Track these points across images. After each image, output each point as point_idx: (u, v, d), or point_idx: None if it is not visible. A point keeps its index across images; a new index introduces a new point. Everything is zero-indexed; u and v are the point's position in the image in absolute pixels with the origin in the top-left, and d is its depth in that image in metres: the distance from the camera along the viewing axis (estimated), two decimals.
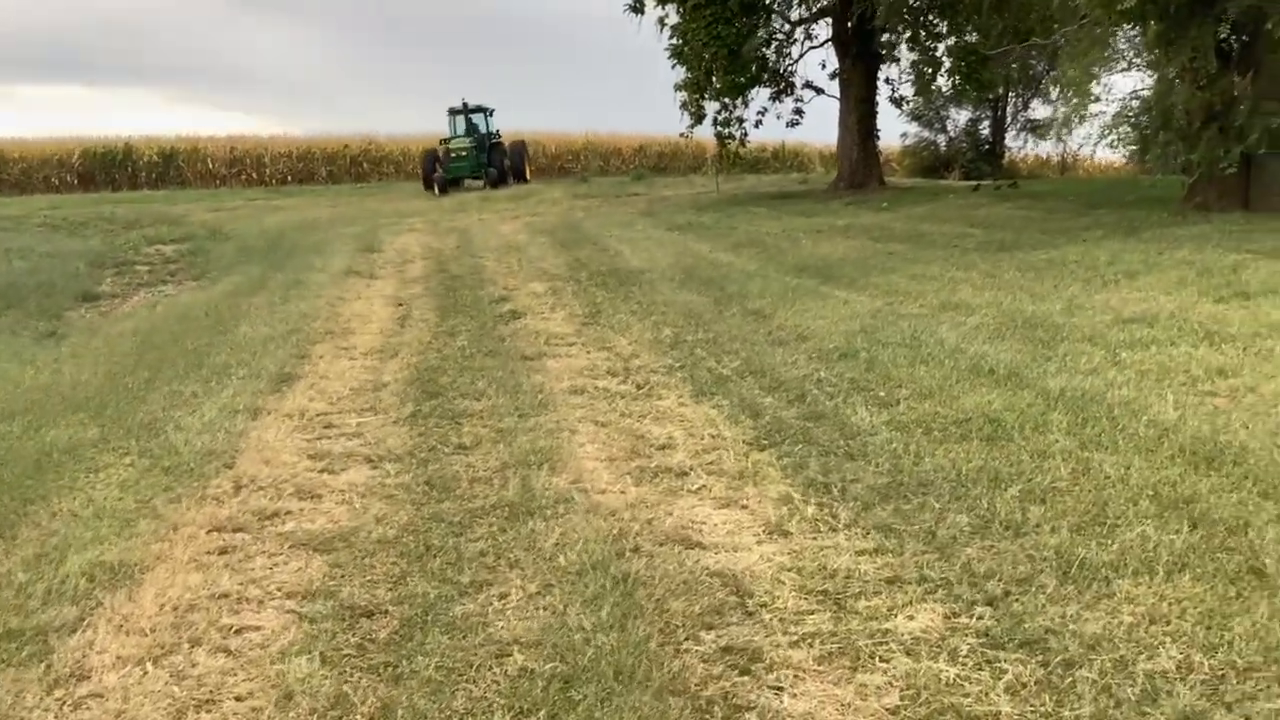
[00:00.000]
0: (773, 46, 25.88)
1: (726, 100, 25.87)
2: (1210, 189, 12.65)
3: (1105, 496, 4.25)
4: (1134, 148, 12.70)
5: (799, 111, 27.88)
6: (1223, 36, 11.85)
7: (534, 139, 46.48)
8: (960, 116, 36.96)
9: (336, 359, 8.50)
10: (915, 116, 35.95)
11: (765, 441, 5.52)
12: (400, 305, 11.54)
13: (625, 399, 6.71)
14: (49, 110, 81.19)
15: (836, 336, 7.98)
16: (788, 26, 26.15)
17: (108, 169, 44.36)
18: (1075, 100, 12.71)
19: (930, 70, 24.51)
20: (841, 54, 25.43)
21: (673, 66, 24.88)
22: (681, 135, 28.21)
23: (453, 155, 33.04)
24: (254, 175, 45.47)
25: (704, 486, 4.91)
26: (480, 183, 33.46)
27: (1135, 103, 12.72)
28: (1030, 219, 14.58)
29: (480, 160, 33.59)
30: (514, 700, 3.03)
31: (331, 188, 41.70)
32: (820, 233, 16.24)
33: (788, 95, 27.62)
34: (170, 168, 44.89)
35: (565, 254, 15.82)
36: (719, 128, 27.23)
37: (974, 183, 24.69)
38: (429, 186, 33.13)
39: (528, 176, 36.76)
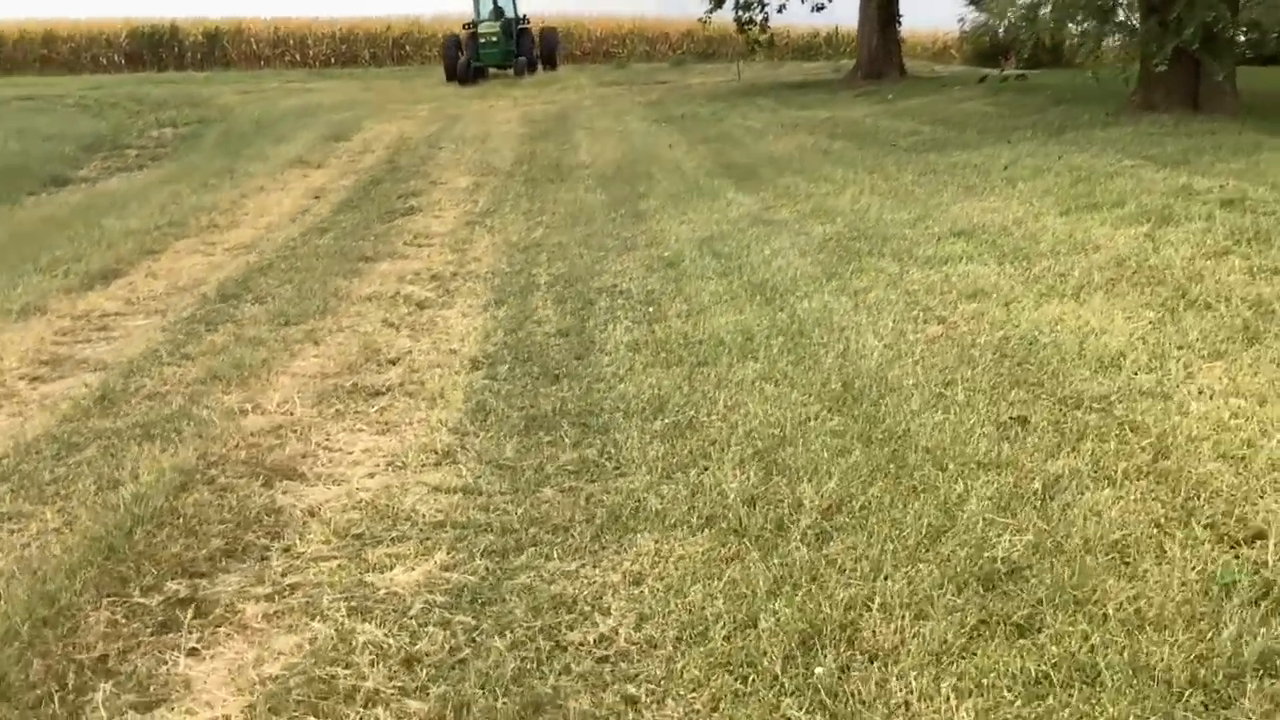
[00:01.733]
0: None
1: None
2: (1157, 88, 11.66)
3: (708, 437, 3.92)
4: (1083, 40, 11.69)
5: None
6: None
7: (579, 21, 45.49)
8: None
9: (188, 256, 8.35)
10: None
11: (491, 359, 5.23)
12: (316, 198, 11.30)
13: (414, 307, 6.44)
14: None
15: (680, 244, 7.60)
16: None
17: (154, 49, 44.38)
18: None
19: None
20: None
21: None
22: (700, 20, 27.25)
23: (481, 41, 30.26)
24: (297, 57, 45.18)
25: (383, 408, 4.64)
26: (509, 72, 31.00)
27: None
28: (988, 116, 13.73)
29: (509, 47, 30.83)
30: None
31: (371, 71, 41.32)
32: (795, 127, 15.56)
33: None
34: (215, 48, 44.78)
35: (528, 146, 15.41)
36: (739, 12, 26.22)
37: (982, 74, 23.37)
38: (451, 76, 30.19)
39: (557, 64, 34.20)
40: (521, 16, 32.65)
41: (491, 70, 31.10)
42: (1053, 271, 5.51)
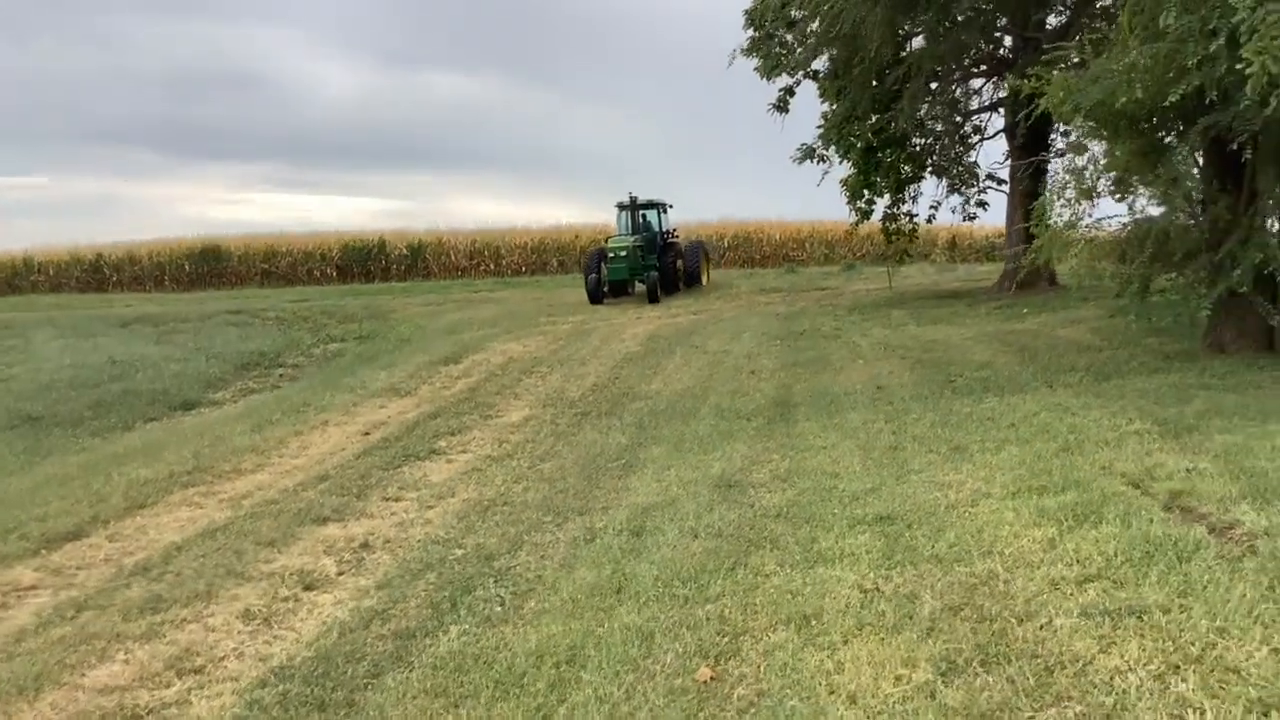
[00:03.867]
0: (938, 141, 24.39)
1: (887, 194, 24.58)
2: (1226, 327, 10.47)
3: None
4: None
5: (981, 204, 26.14)
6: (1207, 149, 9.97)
7: (759, 227, 46.31)
8: None
9: (174, 511, 8.51)
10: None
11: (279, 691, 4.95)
12: (366, 434, 11.52)
13: (296, 588, 6.27)
14: (397, 195, 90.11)
15: (621, 513, 7.22)
16: (958, 118, 24.59)
17: (363, 262, 47.71)
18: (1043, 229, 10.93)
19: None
20: (1011, 147, 23.65)
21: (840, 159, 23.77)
22: (847, 231, 27.17)
23: (610, 255, 28.57)
24: (491, 267, 47.63)
25: None
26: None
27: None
28: (1074, 346, 12.74)
29: (642, 263, 28.77)
30: None
31: (555, 278, 43.03)
32: (891, 352, 15.03)
33: (968, 186, 25.94)
34: (417, 260, 47.74)
35: (619, 369, 15.43)
36: (886, 223, 26.00)
37: None
38: (593, 298, 28.61)
39: (704, 279, 32.11)
40: (670, 230, 31.36)
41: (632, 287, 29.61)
42: (897, 592, 4.81)
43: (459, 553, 6.77)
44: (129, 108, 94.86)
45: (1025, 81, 10.57)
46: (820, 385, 12.37)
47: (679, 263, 30.17)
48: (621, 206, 30.59)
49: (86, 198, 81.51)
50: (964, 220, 26.32)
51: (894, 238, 26.03)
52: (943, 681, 3.75)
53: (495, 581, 6.07)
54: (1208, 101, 8.45)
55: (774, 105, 23.53)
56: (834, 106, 22.70)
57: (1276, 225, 8.90)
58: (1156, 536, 4.94)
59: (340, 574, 6.51)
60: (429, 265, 47.76)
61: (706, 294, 30.98)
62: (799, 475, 7.64)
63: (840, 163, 23.20)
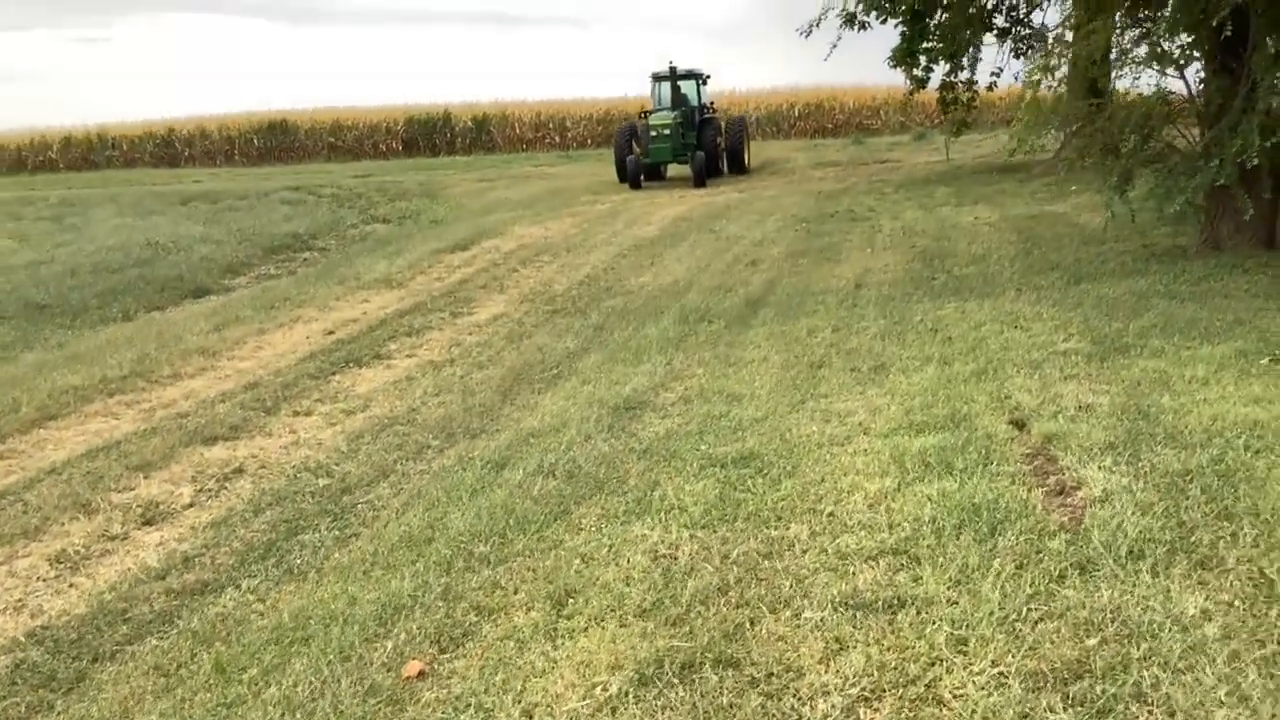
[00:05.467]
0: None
1: (941, 59, 23.10)
2: (1223, 222, 9.41)
3: None
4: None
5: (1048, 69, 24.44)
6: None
7: (832, 94, 44.57)
8: None
9: (88, 422, 8.38)
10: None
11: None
12: (330, 334, 11.28)
13: (126, 517, 6.06)
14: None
15: (499, 443, 6.84)
16: None
17: (429, 135, 47.30)
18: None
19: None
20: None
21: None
22: (904, 98, 25.83)
23: (653, 134, 25.53)
24: (557, 139, 46.84)
25: None
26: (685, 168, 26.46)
27: None
28: (1074, 232, 11.84)
29: (686, 141, 26.16)
30: None
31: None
32: (909, 237, 14.31)
33: (1034, 50, 24.26)
34: (483, 133, 47.16)
35: (623, 259, 14.96)
36: (943, 92, 24.56)
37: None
38: (623, 177, 26.33)
39: (747, 164, 28.49)
40: (708, 104, 28.54)
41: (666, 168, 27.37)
42: (681, 562, 4.34)
43: (322, 483, 6.48)
44: None
45: None
46: (806, 282, 11.75)
47: (719, 140, 27.14)
48: (658, 78, 27.64)
49: None
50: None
51: (950, 107, 24.60)
52: (633, 696, 3.32)
53: (331, 522, 5.78)
54: None
55: None
56: None
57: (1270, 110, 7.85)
58: (986, 499, 4.39)
59: (189, 506, 6.28)
60: (494, 138, 47.14)
61: (758, 169, 29.95)
62: (704, 397, 7.15)
63: (881, 25, 21.74)
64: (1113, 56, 9.28)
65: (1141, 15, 9.08)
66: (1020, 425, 5.45)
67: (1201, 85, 9.34)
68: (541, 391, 8.22)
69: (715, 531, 4.62)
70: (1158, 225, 11.10)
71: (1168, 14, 8.69)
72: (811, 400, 6.68)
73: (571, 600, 4.12)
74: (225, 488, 6.58)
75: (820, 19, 20.42)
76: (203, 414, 8.23)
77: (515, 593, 4.29)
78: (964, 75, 24.14)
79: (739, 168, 27.89)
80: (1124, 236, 11.10)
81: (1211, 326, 6.83)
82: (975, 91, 24.58)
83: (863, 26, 21.53)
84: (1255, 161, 7.85)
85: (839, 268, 12.54)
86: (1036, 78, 9.81)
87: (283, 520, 5.85)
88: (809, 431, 5.95)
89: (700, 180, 25.48)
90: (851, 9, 21.24)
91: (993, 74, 24.34)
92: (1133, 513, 4.03)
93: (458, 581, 4.47)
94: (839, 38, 21.38)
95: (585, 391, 7.87)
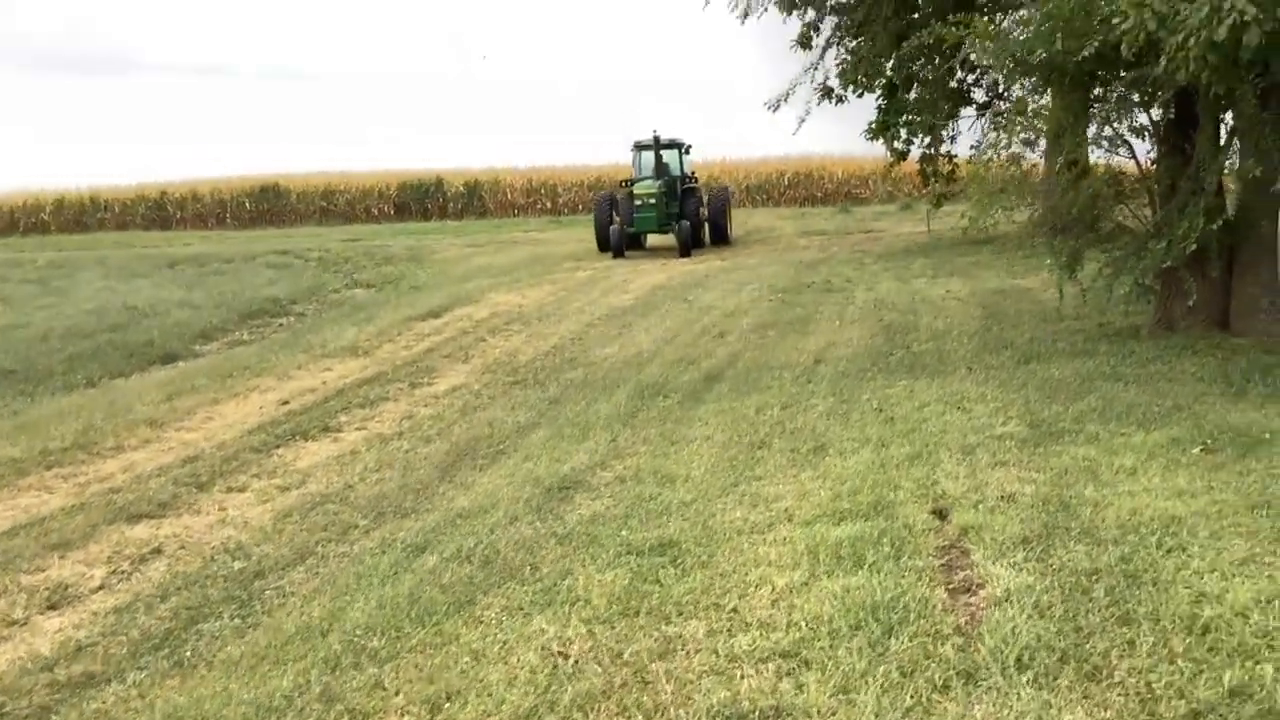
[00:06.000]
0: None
1: (920, 132, 23.26)
2: (1175, 303, 9.32)
3: None
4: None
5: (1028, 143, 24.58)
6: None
7: (821, 164, 44.85)
8: None
9: (21, 496, 8.22)
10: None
11: None
12: (285, 404, 11.15)
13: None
14: None
15: (425, 525, 6.68)
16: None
17: (420, 200, 47.52)
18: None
19: None
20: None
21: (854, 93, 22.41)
22: (884, 173, 25.97)
23: (637, 203, 25.22)
24: (548, 204, 47.06)
25: None
26: (669, 236, 26.07)
27: None
28: (1045, 312, 11.76)
29: (670, 210, 25.79)
30: None
31: None
32: (878, 310, 14.22)
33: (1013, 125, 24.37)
34: (474, 198, 47.38)
35: (592, 329, 14.88)
36: (924, 165, 24.71)
37: None
38: (604, 246, 26.04)
39: (729, 235, 28.05)
40: (689, 174, 27.96)
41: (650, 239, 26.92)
42: (570, 662, 4.17)
43: (237, 566, 6.30)
44: None
45: (951, 29, 9.56)
46: (769, 355, 11.65)
47: (702, 212, 26.83)
48: (641, 146, 27.28)
49: None
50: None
51: (931, 180, 24.72)
52: None
53: (236, 610, 5.59)
54: (1130, 57, 7.41)
55: (796, 41, 22.28)
56: (857, 42, 21.42)
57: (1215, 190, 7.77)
58: (888, 597, 4.24)
59: (98, 589, 6.10)
60: (485, 203, 47.37)
61: (743, 237, 30.02)
62: (639, 478, 7.02)
63: (859, 98, 21.93)
64: (1060, 136, 9.26)
65: (1094, 95, 9.05)
66: (942, 515, 5.32)
67: (1153, 164, 9.32)
68: (483, 468, 8.08)
69: (614, 627, 4.46)
70: (1116, 304, 11.03)
71: (1115, 97, 8.69)
72: (745, 483, 6.54)
73: (449, 704, 3.96)
74: (139, 570, 6.40)
75: (788, 94, 20.54)
76: (135, 489, 8.07)
77: (395, 694, 4.12)
78: (944, 148, 24.31)
79: (721, 238, 27.61)
80: (1083, 314, 11.03)
81: (1149, 412, 6.71)
82: (955, 164, 24.70)
83: (840, 100, 21.69)
84: (1194, 246, 7.76)
85: (805, 341, 12.45)
86: (987, 155, 9.75)
87: (187, 607, 5.67)
88: (734, 518, 5.81)
89: (686, 250, 25.29)
90: (830, 83, 21.44)
91: (973, 147, 24.43)
92: (1030, 616, 3.88)
93: (340, 681, 4.30)
94: (807, 112, 21.55)
95: (524, 469, 7.73)
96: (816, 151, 45.12)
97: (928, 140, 24.22)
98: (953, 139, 24.25)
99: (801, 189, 44.84)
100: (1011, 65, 8.63)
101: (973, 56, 9.27)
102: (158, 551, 6.71)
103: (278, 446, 9.29)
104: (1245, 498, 4.90)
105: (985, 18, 9.42)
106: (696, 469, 7.06)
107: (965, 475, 5.85)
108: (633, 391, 10.20)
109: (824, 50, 22.27)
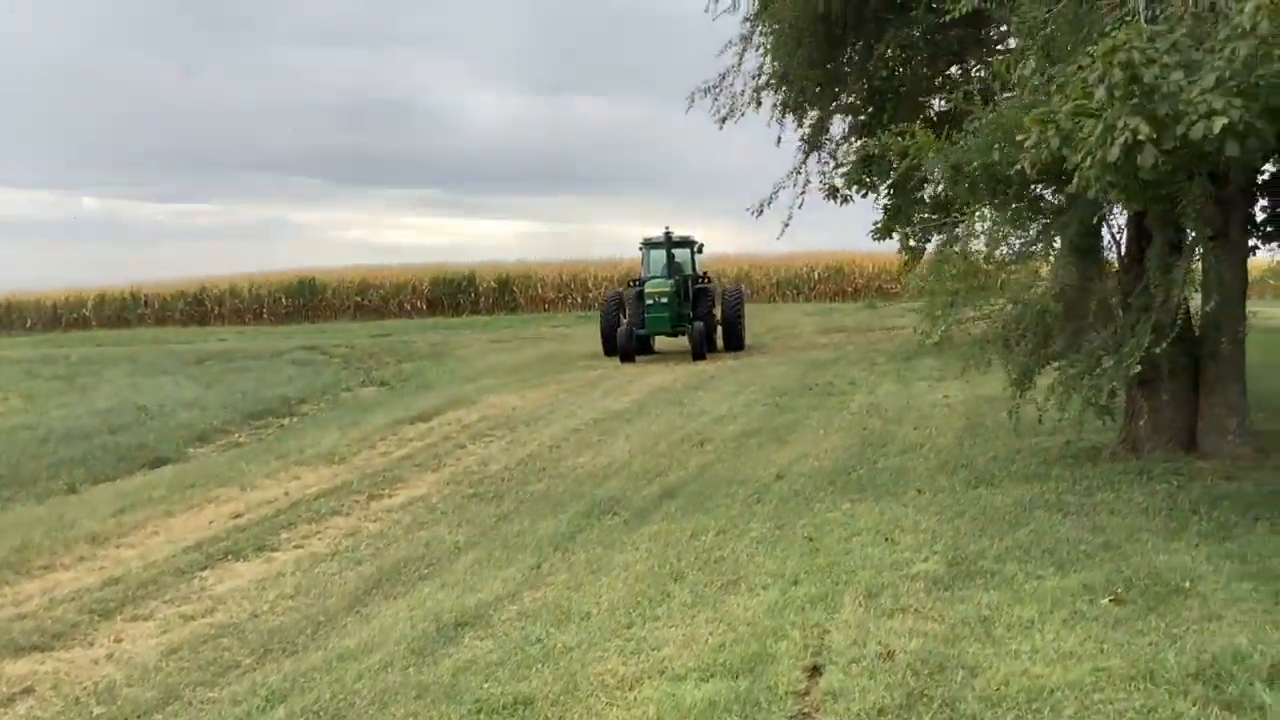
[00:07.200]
0: None
1: (933, 230, 22.85)
2: (1141, 423, 8.78)
3: None
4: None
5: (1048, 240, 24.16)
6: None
7: (851, 259, 44.68)
8: None
9: None
10: None
11: None
12: (236, 517, 10.91)
13: None
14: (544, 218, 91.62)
15: (301, 668, 6.32)
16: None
17: (453, 295, 47.84)
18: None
19: None
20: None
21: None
22: (900, 272, 25.53)
23: (649, 302, 24.00)
24: (579, 299, 47.13)
25: None
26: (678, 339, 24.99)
27: None
28: (1019, 427, 11.28)
29: (682, 311, 24.40)
30: None
31: None
32: (865, 418, 13.85)
33: (1030, 221, 24.00)
34: (505, 293, 47.62)
35: (579, 434, 14.58)
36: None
37: None
38: (611, 349, 24.58)
39: (744, 338, 26.03)
40: (701, 274, 26.37)
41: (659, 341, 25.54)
42: None
43: (97, 712, 5.98)
44: (294, 137, 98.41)
45: (897, 139, 9.29)
46: (737, 468, 11.27)
47: (715, 313, 25.45)
48: (651, 244, 25.98)
49: (252, 224, 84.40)
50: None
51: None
52: None
53: None
54: (1034, 176, 7.08)
55: (804, 141, 22.09)
56: (863, 141, 21.19)
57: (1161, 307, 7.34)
58: None
59: None
60: (516, 298, 47.57)
61: (763, 333, 29.69)
62: (538, 615, 6.64)
63: (863, 198, 21.57)
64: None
65: (1039, 205, 8.73)
66: (816, 672, 4.88)
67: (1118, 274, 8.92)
68: (397, 597, 7.75)
69: None
70: (1071, 424, 10.58)
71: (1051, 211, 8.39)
72: (639, 624, 6.13)
73: None
74: (4, 713, 6.09)
75: (772, 198, 20.16)
76: (40, 616, 7.81)
77: None
78: (957, 247, 23.86)
79: (738, 344, 25.64)
80: (1059, 429, 10.51)
81: (1074, 551, 6.24)
82: (971, 263, 24.21)
83: (845, 200, 21.41)
84: (1138, 368, 7.30)
85: (779, 452, 12.04)
86: (940, 264, 9.41)
87: None
88: (605, 670, 5.40)
89: (700, 353, 23.99)
90: (835, 183, 21.16)
91: (988, 245, 24.03)
92: None
93: None
94: (790, 216, 20.96)
95: (434, 601, 7.37)
96: (847, 246, 44.99)
97: (943, 239, 23.81)
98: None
99: (832, 284, 44.63)
100: (951, 174, 8.34)
101: (923, 167, 8.96)
102: (27, 692, 6.42)
103: (205, 568, 9.00)
104: (1131, 664, 4.42)
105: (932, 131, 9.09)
106: (602, 604, 6.66)
107: (857, 625, 5.41)
108: (585, 508, 9.85)
109: (836, 148, 22.04)
